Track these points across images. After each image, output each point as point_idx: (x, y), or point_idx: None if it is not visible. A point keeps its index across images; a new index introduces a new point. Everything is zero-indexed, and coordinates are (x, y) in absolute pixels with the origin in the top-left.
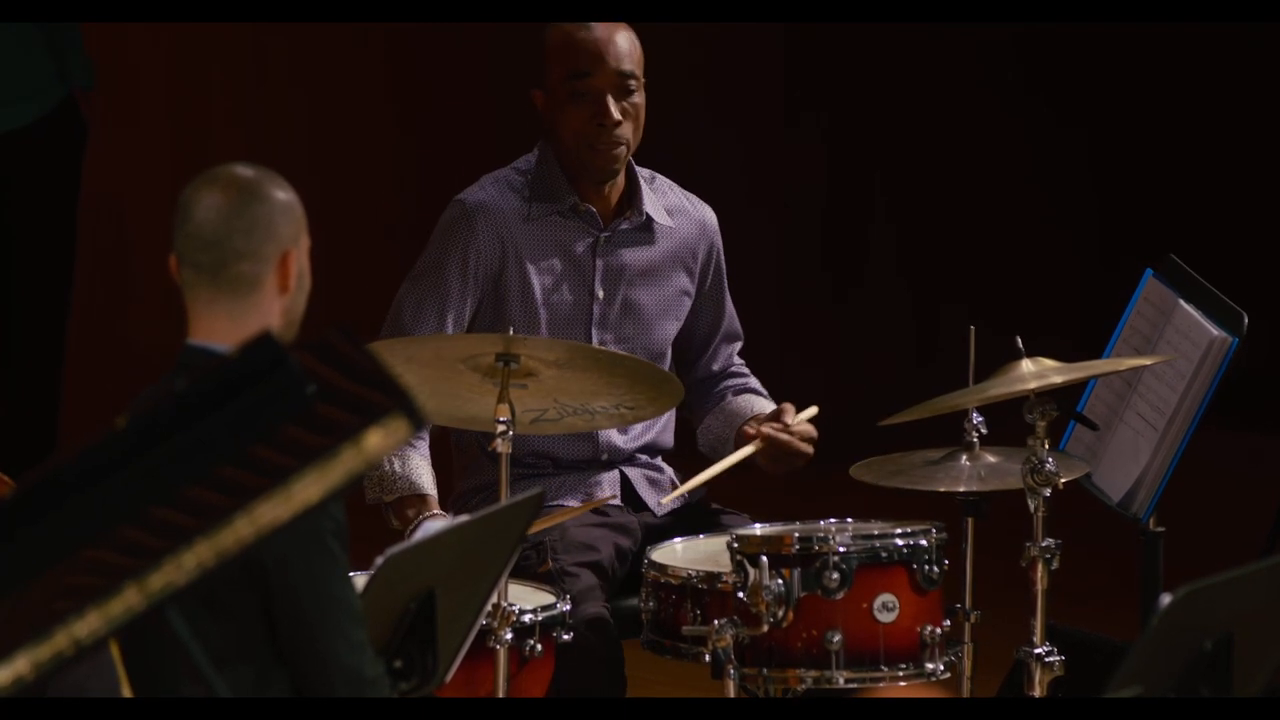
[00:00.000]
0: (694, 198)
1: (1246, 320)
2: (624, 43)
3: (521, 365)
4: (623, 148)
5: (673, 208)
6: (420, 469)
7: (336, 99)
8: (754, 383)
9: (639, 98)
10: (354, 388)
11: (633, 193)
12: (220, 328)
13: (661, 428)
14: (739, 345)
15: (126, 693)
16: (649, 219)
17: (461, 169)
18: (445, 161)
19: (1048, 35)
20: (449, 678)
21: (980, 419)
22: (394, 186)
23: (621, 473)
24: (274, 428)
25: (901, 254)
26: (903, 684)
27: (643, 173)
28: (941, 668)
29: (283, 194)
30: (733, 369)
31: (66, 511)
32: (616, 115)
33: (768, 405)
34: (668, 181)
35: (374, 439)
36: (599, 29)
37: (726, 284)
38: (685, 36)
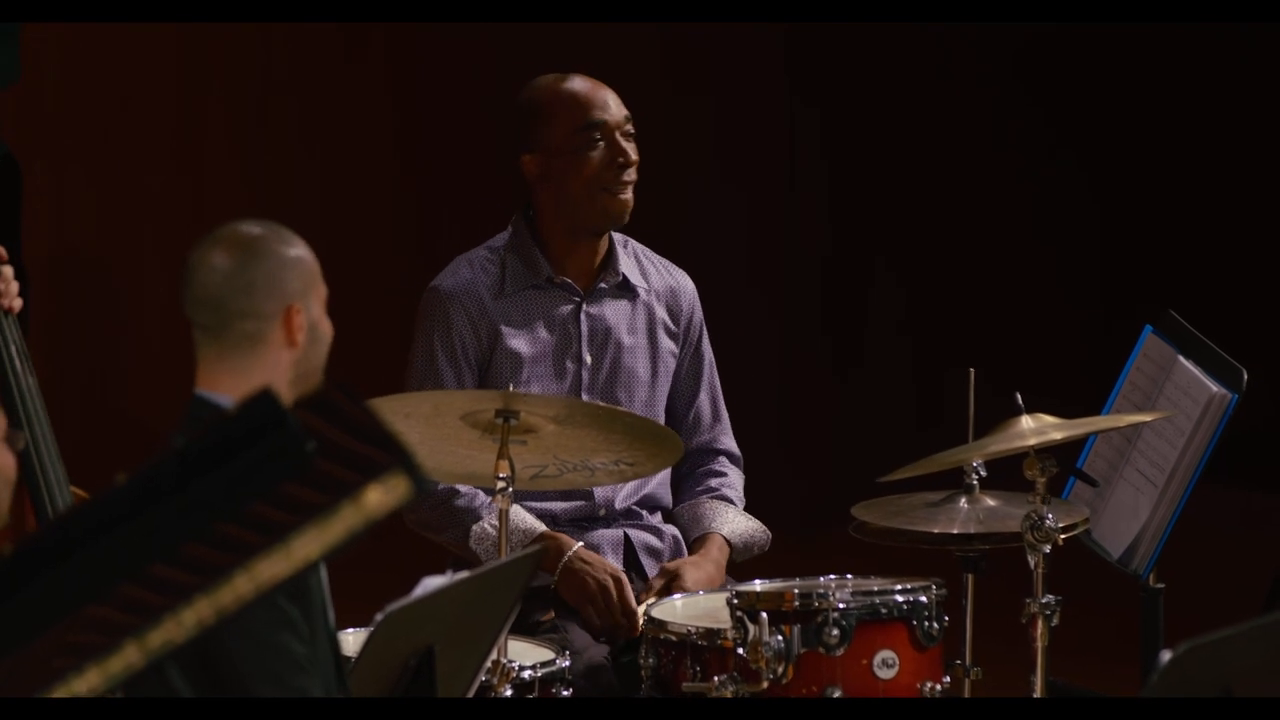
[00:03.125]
0: (671, 265)
1: (1246, 376)
2: (611, 91)
3: (521, 421)
4: (631, 188)
5: (649, 271)
6: (523, 516)
7: (343, 157)
8: (700, 499)
9: (636, 159)
10: (354, 445)
11: (610, 255)
12: (226, 381)
13: (658, 482)
14: (723, 456)
15: None
16: (625, 279)
17: (465, 227)
18: (448, 218)
19: (1052, 90)
20: None
21: (979, 462)
22: (394, 245)
23: (626, 535)
24: (274, 485)
25: (903, 317)
26: None
27: (617, 238)
28: None
29: (287, 250)
30: (711, 468)
31: (68, 568)
32: (634, 154)
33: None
34: (641, 247)
35: (374, 496)
36: (584, 80)
37: (709, 361)
38: (686, 91)
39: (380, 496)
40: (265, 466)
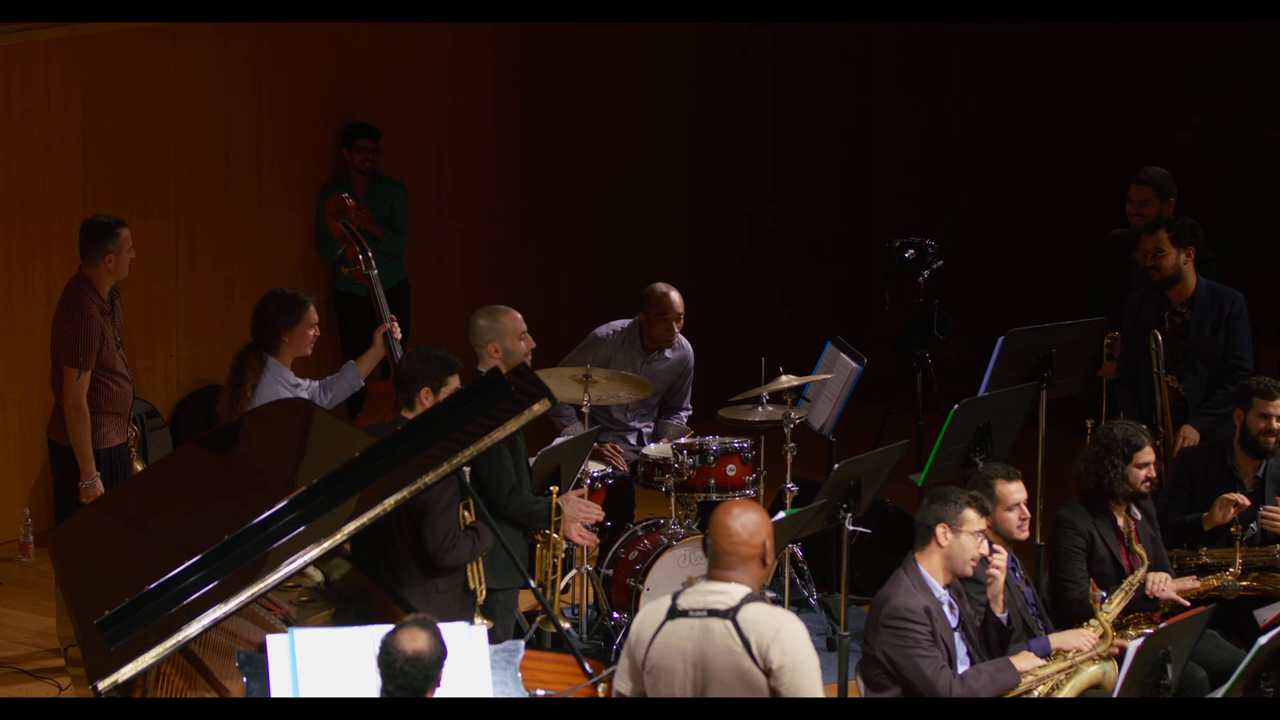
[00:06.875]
0: (686, 342)
1: (866, 360)
2: (679, 298)
3: (593, 379)
4: (674, 338)
5: (675, 347)
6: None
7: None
8: (673, 422)
9: (682, 320)
10: (527, 386)
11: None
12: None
13: (647, 421)
14: (687, 413)
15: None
16: (665, 354)
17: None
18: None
19: None
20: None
21: (768, 396)
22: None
23: (639, 432)
24: (496, 404)
25: (763, 322)
26: (738, 497)
27: None
28: (752, 493)
29: (490, 316)
30: (671, 414)
31: (415, 438)
32: (678, 330)
33: (664, 430)
34: (678, 336)
35: (537, 407)
36: (670, 291)
37: (690, 387)
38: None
39: (539, 407)
40: (492, 396)
